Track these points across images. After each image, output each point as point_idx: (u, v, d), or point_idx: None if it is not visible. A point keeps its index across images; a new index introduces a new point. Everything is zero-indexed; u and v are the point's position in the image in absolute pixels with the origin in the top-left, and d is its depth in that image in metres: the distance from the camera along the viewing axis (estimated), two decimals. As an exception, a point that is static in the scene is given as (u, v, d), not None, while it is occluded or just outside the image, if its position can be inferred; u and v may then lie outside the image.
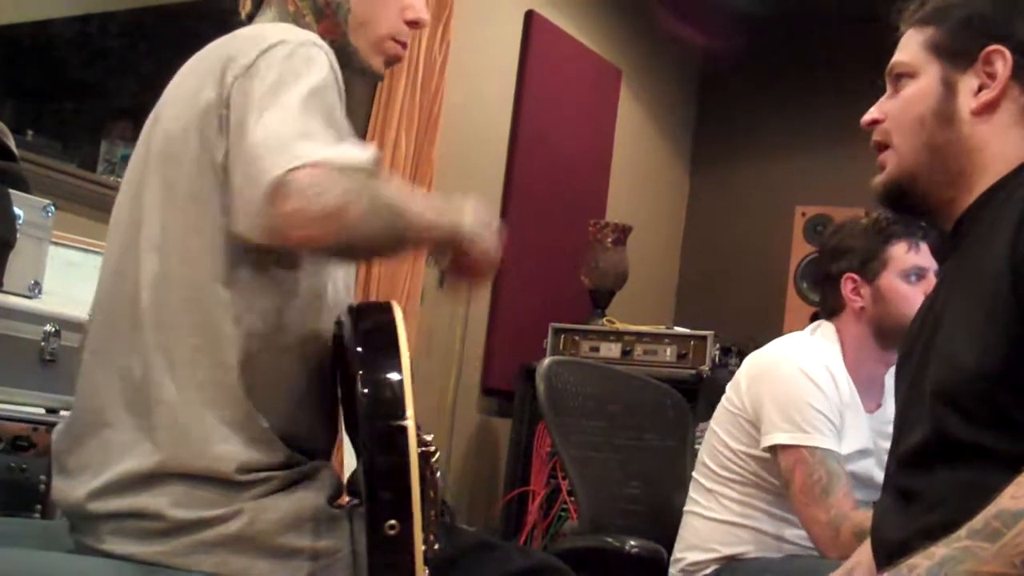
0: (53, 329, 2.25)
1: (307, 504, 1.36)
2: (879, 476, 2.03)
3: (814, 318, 2.53)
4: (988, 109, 1.44)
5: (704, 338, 4.10)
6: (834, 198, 4.53)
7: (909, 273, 2.33)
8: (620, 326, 4.29)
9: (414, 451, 1.24)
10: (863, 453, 2.32)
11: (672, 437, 2.81)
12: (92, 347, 1.45)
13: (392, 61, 1.63)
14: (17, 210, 2.28)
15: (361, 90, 3.65)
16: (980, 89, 1.45)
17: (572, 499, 3.80)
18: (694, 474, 2.46)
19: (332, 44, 1.47)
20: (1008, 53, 1.43)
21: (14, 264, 2.27)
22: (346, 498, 1.44)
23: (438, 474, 1.32)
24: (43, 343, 2.23)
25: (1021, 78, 1.44)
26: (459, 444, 4.35)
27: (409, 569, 1.23)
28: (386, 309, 1.35)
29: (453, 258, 1.44)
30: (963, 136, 1.45)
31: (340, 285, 1.49)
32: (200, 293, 1.37)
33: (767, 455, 2.29)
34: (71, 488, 1.39)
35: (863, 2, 3.47)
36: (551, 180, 4.64)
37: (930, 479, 1.37)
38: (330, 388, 1.47)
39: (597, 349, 4.22)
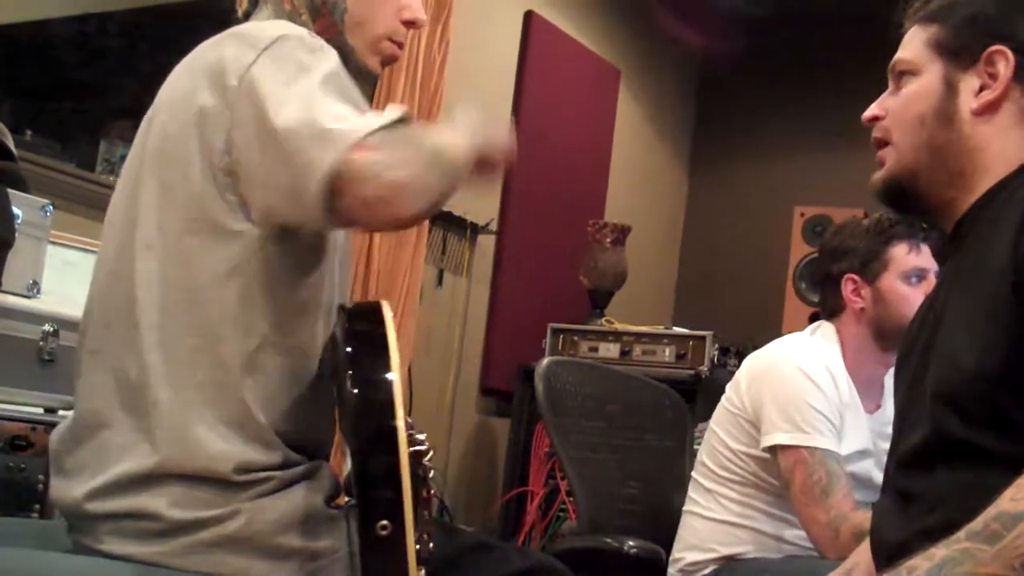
0: (51, 329, 2.25)
1: (305, 504, 1.36)
2: (878, 477, 2.03)
3: (813, 318, 2.53)
4: (989, 109, 1.44)
5: (703, 338, 4.10)
6: (833, 199, 4.53)
7: (910, 274, 2.33)
8: (619, 326, 4.29)
9: (405, 451, 1.23)
10: (863, 454, 2.31)
11: (671, 437, 2.80)
12: (90, 347, 1.44)
13: (388, 61, 1.63)
14: (16, 210, 2.27)
15: (360, 90, 3.64)
16: (981, 89, 1.44)
17: (571, 499, 3.80)
18: (693, 474, 2.46)
19: (328, 43, 1.47)
20: (1011, 54, 1.43)
21: (13, 264, 2.26)
22: (344, 498, 1.44)
23: (431, 473, 1.31)
24: (41, 343, 2.23)
25: (1023, 79, 1.43)
26: (457, 444, 4.35)
27: (402, 569, 1.22)
28: (376, 309, 1.34)
29: (478, 162, 1.43)
30: (963, 136, 1.45)
31: (336, 285, 1.49)
32: (198, 294, 1.36)
33: (767, 455, 2.28)
34: (69, 488, 1.39)
35: (863, 2, 3.47)
36: (550, 180, 4.64)
37: (930, 480, 1.37)
38: (328, 387, 1.47)
39: (596, 349, 4.22)
